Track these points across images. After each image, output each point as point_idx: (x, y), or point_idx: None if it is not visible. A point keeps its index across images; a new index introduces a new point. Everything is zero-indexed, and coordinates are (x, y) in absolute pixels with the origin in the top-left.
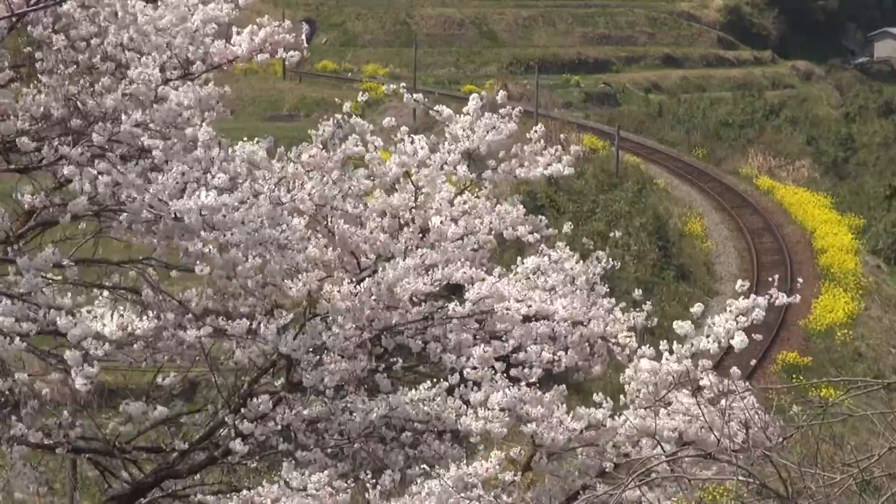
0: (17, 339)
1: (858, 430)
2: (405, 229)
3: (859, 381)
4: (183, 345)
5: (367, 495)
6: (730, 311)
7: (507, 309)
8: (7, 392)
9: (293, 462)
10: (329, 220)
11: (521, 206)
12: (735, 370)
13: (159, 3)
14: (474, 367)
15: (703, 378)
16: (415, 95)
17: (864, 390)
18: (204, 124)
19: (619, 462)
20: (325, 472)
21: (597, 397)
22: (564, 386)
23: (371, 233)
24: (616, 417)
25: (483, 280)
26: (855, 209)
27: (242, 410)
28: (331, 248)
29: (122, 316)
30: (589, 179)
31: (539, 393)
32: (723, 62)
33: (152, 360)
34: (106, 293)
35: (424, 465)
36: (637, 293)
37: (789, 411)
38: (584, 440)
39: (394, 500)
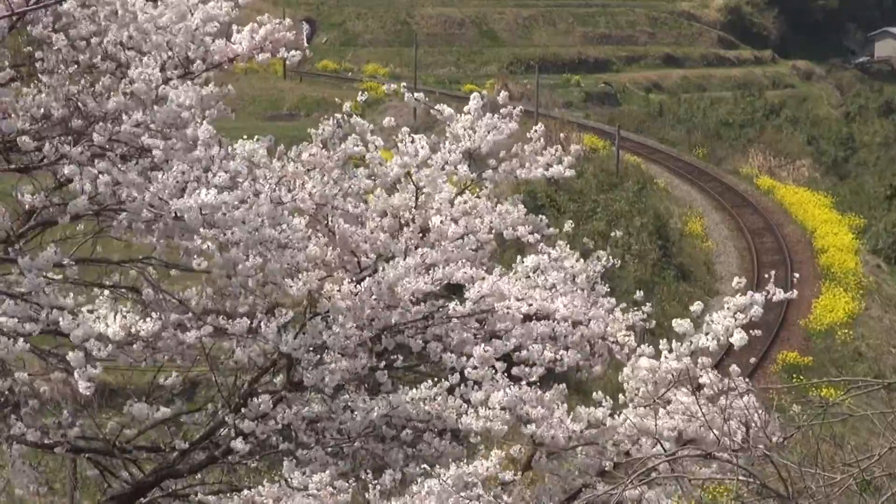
0: (21, 340)
1: (859, 430)
2: (405, 229)
3: (860, 381)
4: (183, 344)
5: (367, 495)
6: (728, 308)
7: (507, 308)
8: (7, 391)
9: (294, 461)
10: (329, 219)
11: (522, 205)
12: (734, 367)
13: (159, 2)
14: (475, 367)
15: (702, 376)
16: (416, 95)
17: (864, 390)
18: (204, 122)
19: (619, 461)
20: (326, 471)
21: (596, 396)
22: (564, 385)
23: (371, 232)
24: (616, 416)
25: (483, 279)
26: (855, 209)
27: (243, 410)
28: (331, 248)
29: (125, 317)
30: (589, 179)
31: (539, 392)
32: (723, 62)
33: (152, 360)
34: (106, 292)
35: (425, 465)
36: (638, 294)
37: (790, 411)
38: (584, 439)
39: (394, 499)
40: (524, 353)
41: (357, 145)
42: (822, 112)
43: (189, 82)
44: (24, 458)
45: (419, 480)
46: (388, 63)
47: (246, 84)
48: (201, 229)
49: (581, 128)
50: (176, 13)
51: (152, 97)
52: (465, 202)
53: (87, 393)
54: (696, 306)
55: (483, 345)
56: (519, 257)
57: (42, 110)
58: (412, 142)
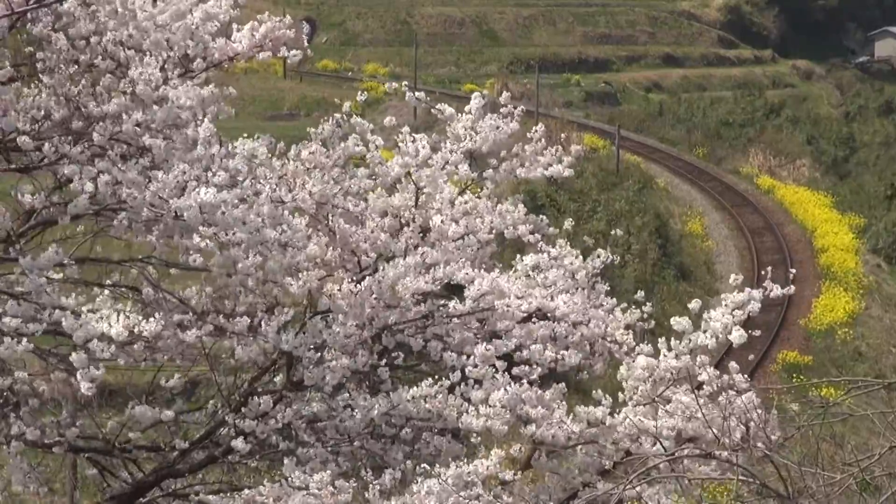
0: (24, 340)
1: (859, 430)
2: (406, 229)
3: (860, 381)
4: (183, 344)
5: (367, 494)
6: (725, 304)
7: (507, 306)
8: (7, 391)
9: (294, 460)
10: (330, 218)
11: (522, 205)
12: (733, 364)
13: (159, 1)
14: (475, 365)
15: (701, 373)
16: (417, 94)
17: (864, 390)
18: (205, 120)
19: (618, 460)
20: (327, 471)
21: (596, 395)
22: (564, 384)
23: (372, 232)
24: (615, 415)
25: (483, 278)
26: (855, 208)
27: (243, 409)
28: (331, 248)
29: (128, 317)
30: (589, 179)
31: (539, 392)
32: (723, 61)
33: (152, 360)
34: (105, 292)
35: (425, 465)
36: (639, 294)
37: (790, 411)
38: (584, 437)
39: (394, 498)
40: (525, 353)
41: (358, 145)
42: (822, 112)
43: (189, 82)
44: (21, 455)
45: (419, 480)
46: (388, 63)
47: (246, 84)
48: (201, 228)
49: (581, 127)
50: (175, 11)
51: (153, 98)
52: (466, 202)
53: (89, 393)
54: (695, 304)
55: (484, 343)
56: (518, 256)
57: (42, 112)
58: (413, 141)
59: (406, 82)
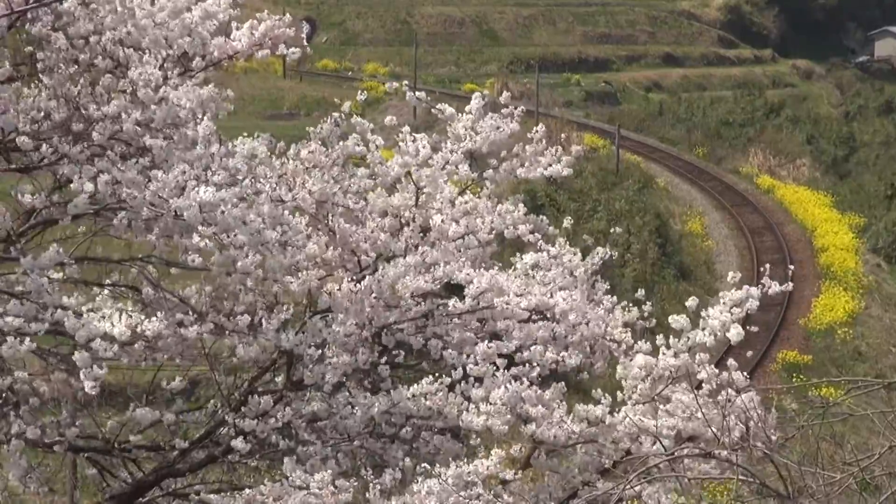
0: (27, 339)
1: (859, 430)
2: (406, 228)
3: (860, 381)
4: (185, 342)
5: (367, 494)
6: (723, 302)
7: (506, 303)
8: (7, 390)
9: (294, 459)
10: (330, 218)
11: (522, 205)
12: (732, 362)
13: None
14: (476, 363)
15: (700, 371)
16: (417, 94)
17: (864, 390)
18: (205, 118)
19: (618, 459)
20: (328, 470)
21: (596, 394)
22: (563, 384)
23: (372, 232)
24: (615, 414)
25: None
26: (855, 208)
27: (243, 408)
28: (331, 247)
29: (130, 316)
30: (589, 178)
31: (539, 391)
32: (723, 61)
33: (152, 360)
34: (105, 291)
35: (425, 465)
36: (640, 293)
37: (790, 410)
38: (584, 437)
39: (394, 498)
40: (526, 354)
41: (358, 145)
42: (822, 111)
43: (189, 81)
44: (21, 454)
45: (419, 480)
46: (388, 62)
47: (246, 83)
48: (200, 227)
49: (581, 127)
50: (172, 9)
51: (154, 99)
52: (466, 202)
53: (93, 393)
54: (692, 301)
55: (486, 341)
56: (518, 254)
57: (42, 112)
58: (413, 141)
59: (406, 82)
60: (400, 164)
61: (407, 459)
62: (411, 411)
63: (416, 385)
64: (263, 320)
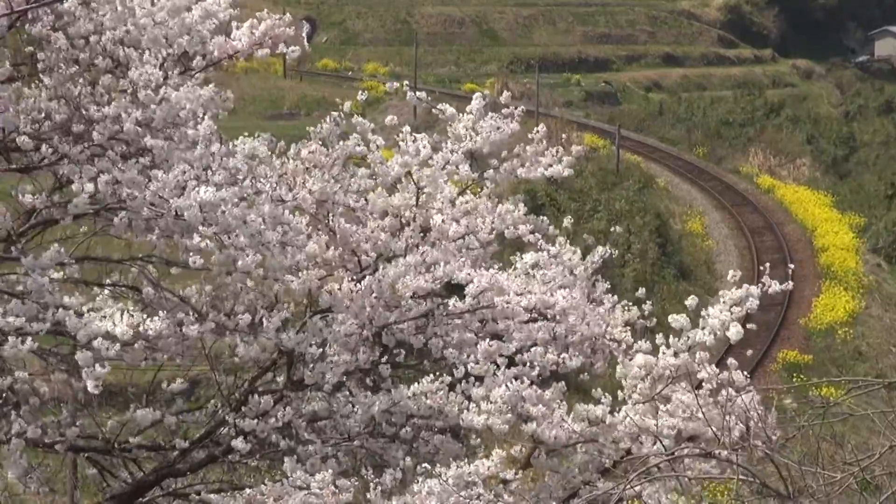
0: (29, 339)
1: (859, 429)
2: (406, 228)
3: (860, 381)
4: (185, 341)
5: (367, 494)
6: (723, 301)
7: (507, 303)
8: (7, 390)
9: (295, 458)
10: (330, 218)
11: (522, 205)
12: (732, 361)
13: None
14: (477, 362)
15: (700, 370)
16: (417, 94)
17: (864, 390)
18: (206, 118)
19: (618, 459)
20: (329, 470)
21: (596, 393)
22: (563, 383)
23: (372, 231)
24: (615, 413)
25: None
26: (855, 208)
27: (243, 408)
28: (332, 247)
29: (132, 316)
30: (589, 178)
31: (539, 391)
32: (723, 61)
33: (152, 360)
34: (105, 291)
35: (426, 465)
36: (640, 292)
37: (790, 411)
38: (584, 436)
39: (395, 498)
40: (526, 355)
41: (359, 145)
42: (822, 111)
43: (189, 81)
44: (20, 453)
45: (420, 480)
46: (389, 62)
47: (246, 83)
48: (201, 227)
49: (581, 127)
50: (172, 7)
51: (154, 99)
52: (467, 202)
53: (95, 392)
54: (691, 300)
55: (487, 340)
56: (518, 254)
57: (43, 113)
58: (413, 141)
59: (406, 82)
60: (400, 164)
61: (407, 459)
62: (412, 410)
63: (416, 384)
64: (264, 320)
